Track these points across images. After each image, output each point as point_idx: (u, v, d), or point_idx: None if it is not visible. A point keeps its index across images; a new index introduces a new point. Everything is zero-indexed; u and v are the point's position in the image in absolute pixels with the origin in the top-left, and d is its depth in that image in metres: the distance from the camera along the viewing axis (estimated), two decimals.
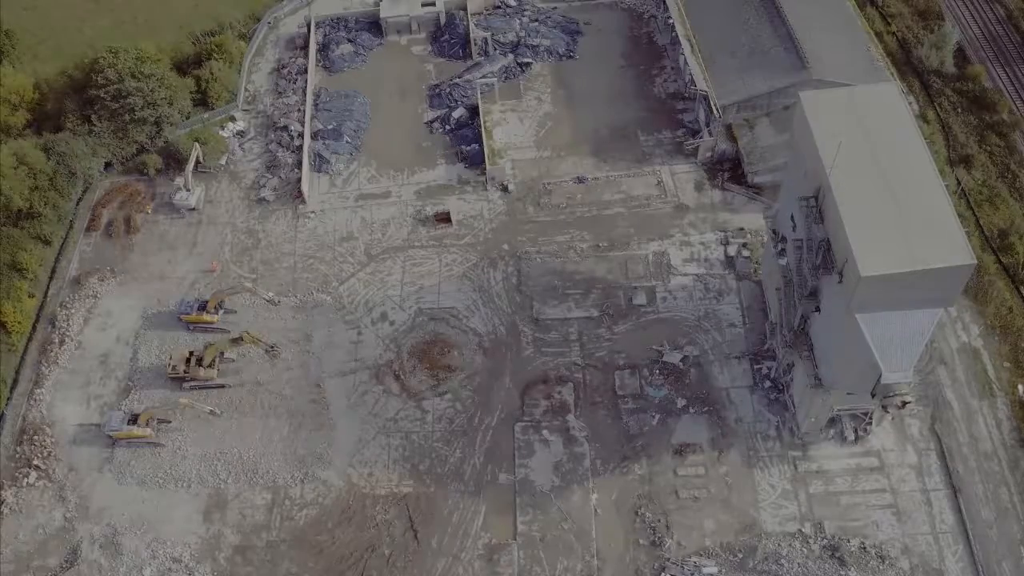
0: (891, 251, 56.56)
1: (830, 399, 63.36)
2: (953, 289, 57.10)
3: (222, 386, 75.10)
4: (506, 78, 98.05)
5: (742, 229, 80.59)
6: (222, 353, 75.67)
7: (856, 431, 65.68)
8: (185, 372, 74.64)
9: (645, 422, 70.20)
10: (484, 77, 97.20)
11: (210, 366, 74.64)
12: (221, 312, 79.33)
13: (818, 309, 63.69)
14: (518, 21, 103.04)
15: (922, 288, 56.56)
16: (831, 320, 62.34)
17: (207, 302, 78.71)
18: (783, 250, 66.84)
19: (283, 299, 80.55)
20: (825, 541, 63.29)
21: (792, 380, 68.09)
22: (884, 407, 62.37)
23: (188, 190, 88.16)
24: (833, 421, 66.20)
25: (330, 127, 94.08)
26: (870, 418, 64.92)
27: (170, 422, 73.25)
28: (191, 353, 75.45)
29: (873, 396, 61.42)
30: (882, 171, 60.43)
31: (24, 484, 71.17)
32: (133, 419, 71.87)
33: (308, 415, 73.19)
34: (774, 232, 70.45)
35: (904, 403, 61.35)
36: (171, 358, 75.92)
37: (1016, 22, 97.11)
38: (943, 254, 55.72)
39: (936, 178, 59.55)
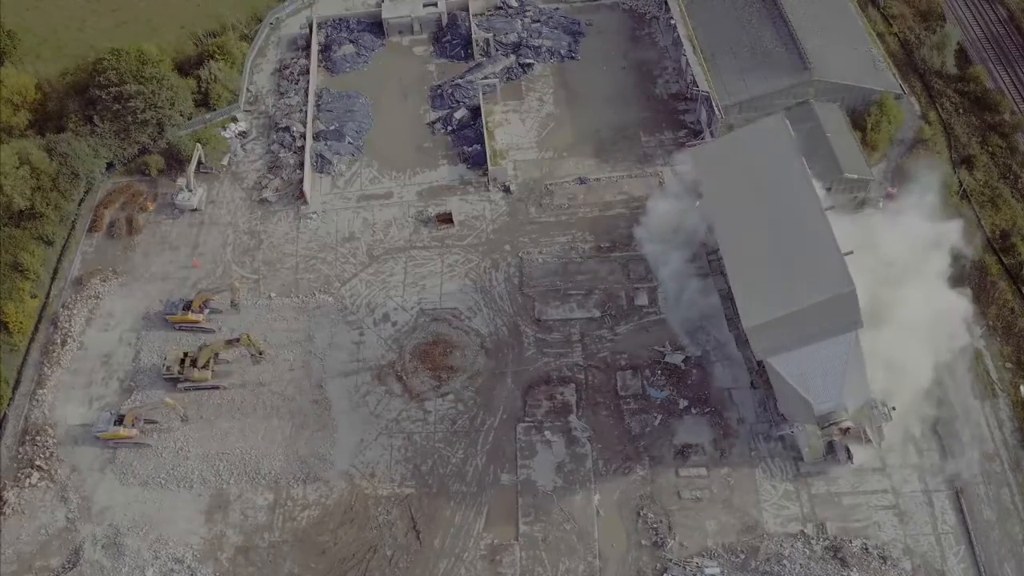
0: (772, 296, 57.94)
1: (814, 428, 63.93)
2: (850, 314, 57.33)
3: (216, 387, 75.13)
4: (508, 79, 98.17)
5: None
6: (216, 355, 75.72)
7: (848, 450, 65.77)
8: (179, 373, 74.72)
9: (647, 423, 70.21)
10: (486, 78, 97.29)
11: (204, 367, 74.68)
12: (207, 312, 79.41)
13: None
14: (520, 22, 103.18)
15: (816, 321, 57.30)
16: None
17: (191, 302, 78.95)
18: None
19: (285, 300, 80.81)
20: (827, 542, 63.29)
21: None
22: (827, 435, 63.24)
23: (190, 191, 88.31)
24: (831, 445, 66.19)
25: (332, 128, 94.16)
26: (866, 437, 64.98)
27: (157, 422, 73.26)
28: (185, 354, 75.55)
29: (819, 427, 62.32)
30: (767, 213, 62.31)
31: (26, 485, 71.18)
32: (119, 420, 71.95)
33: (310, 416, 73.25)
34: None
35: (845, 429, 61.62)
36: (165, 359, 76.10)
37: (1018, 23, 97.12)
38: (822, 287, 56.81)
39: (818, 209, 60.20)
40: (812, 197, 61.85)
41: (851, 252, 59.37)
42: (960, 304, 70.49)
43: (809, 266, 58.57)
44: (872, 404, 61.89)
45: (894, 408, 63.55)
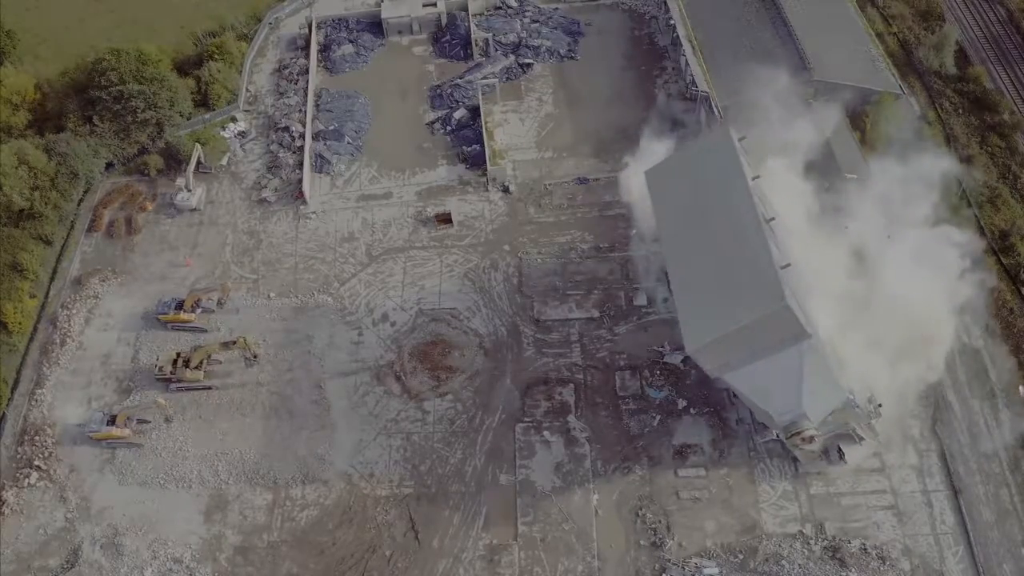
0: (712, 316, 58.34)
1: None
2: (790, 327, 57.42)
3: (208, 387, 75.13)
4: (507, 79, 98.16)
5: None
6: (209, 356, 75.74)
7: (839, 450, 65.81)
8: (171, 373, 74.75)
9: (646, 423, 70.20)
10: (485, 78, 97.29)
11: (197, 368, 74.68)
12: (199, 311, 79.56)
13: None
14: (519, 22, 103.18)
15: (759, 337, 57.40)
16: None
17: (183, 301, 79.10)
18: None
19: (284, 300, 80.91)
20: (826, 542, 63.26)
21: None
22: (794, 444, 63.27)
23: (189, 191, 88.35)
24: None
25: (331, 128, 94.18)
26: (859, 437, 65.08)
27: (149, 422, 73.28)
28: (178, 355, 75.60)
29: (785, 436, 62.77)
30: (708, 231, 62.50)
31: (25, 485, 71.21)
32: (112, 420, 71.95)
33: (309, 416, 73.21)
34: None
35: (810, 438, 61.88)
36: (158, 359, 76.12)
37: (1017, 23, 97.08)
38: (755, 305, 56.78)
39: (757, 223, 60.28)
40: (751, 211, 61.54)
41: (788, 265, 59.05)
42: (960, 237, 69.97)
43: (745, 283, 58.76)
44: (852, 404, 61.73)
45: (880, 405, 63.66)
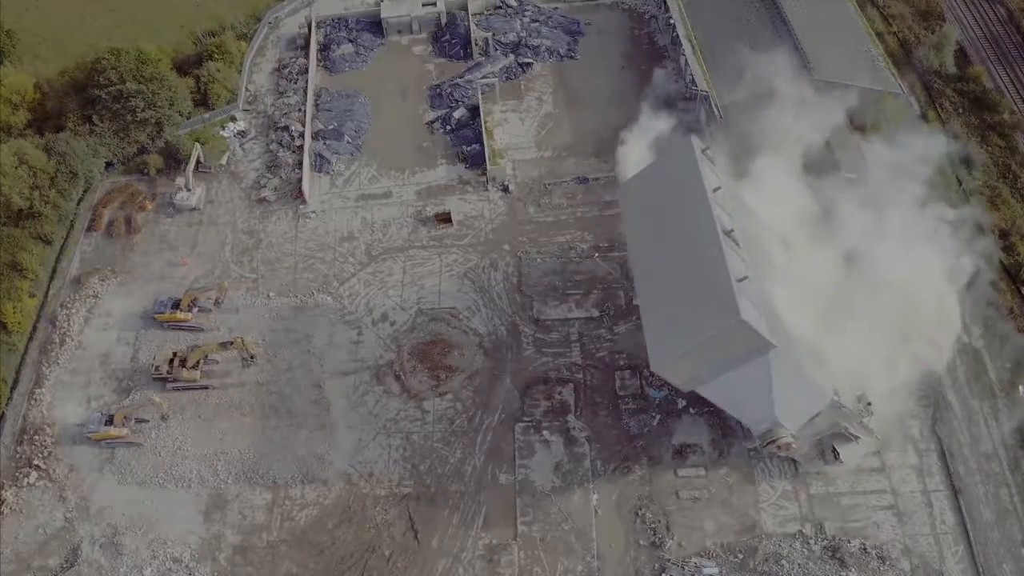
0: (674, 332, 58.49)
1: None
2: (752, 340, 57.05)
3: (205, 387, 75.07)
4: (507, 78, 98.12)
5: None
6: (206, 356, 75.70)
7: (834, 450, 65.86)
8: (168, 373, 74.72)
9: (645, 423, 70.15)
10: (485, 77, 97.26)
11: (194, 368, 74.63)
12: (195, 310, 79.56)
13: None
14: (519, 21, 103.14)
15: (723, 351, 57.20)
16: None
17: (180, 300, 79.18)
18: None
19: (284, 299, 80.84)
20: (825, 542, 63.23)
21: None
22: (771, 452, 63.98)
23: (189, 190, 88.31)
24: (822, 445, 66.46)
25: (331, 127, 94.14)
26: (854, 437, 65.10)
27: (147, 421, 73.23)
28: (175, 354, 75.58)
29: (763, 445, 63.26)
30: (671, 246, 62.66)
31: (24, 484, 71.18)
32: (110, 420, 71.94)
33: (309, 415, 73.18)
34: None
35: (786, 445, 62.30)
36: (154, 359, 76.10)
37: (1017, 22, 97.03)
38: (713, 319, 56.60)
39: (715, 235, 60.11)
40: (710, 223, 61.20)
41: (745, 278, 58.93)
42: (958, 230, 70.37)
43: (703, 298, 58.69)
44: (837, 404, 61.66)
45: (870, 403, 63.59)
